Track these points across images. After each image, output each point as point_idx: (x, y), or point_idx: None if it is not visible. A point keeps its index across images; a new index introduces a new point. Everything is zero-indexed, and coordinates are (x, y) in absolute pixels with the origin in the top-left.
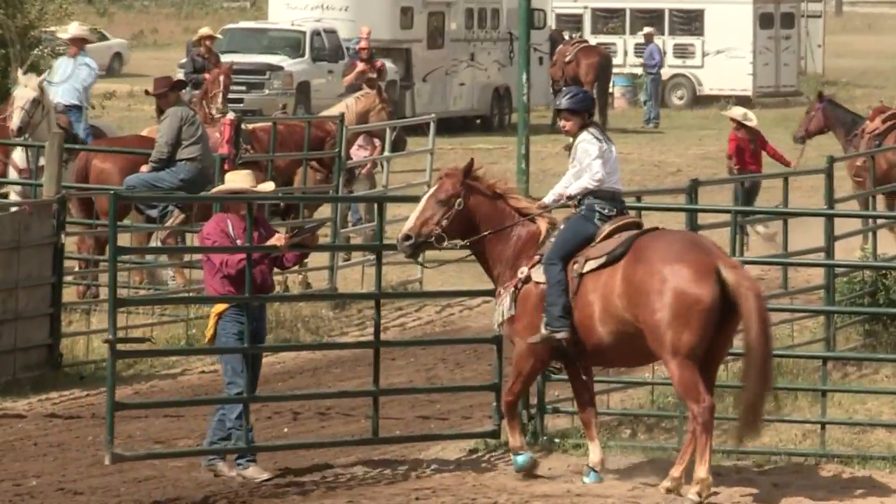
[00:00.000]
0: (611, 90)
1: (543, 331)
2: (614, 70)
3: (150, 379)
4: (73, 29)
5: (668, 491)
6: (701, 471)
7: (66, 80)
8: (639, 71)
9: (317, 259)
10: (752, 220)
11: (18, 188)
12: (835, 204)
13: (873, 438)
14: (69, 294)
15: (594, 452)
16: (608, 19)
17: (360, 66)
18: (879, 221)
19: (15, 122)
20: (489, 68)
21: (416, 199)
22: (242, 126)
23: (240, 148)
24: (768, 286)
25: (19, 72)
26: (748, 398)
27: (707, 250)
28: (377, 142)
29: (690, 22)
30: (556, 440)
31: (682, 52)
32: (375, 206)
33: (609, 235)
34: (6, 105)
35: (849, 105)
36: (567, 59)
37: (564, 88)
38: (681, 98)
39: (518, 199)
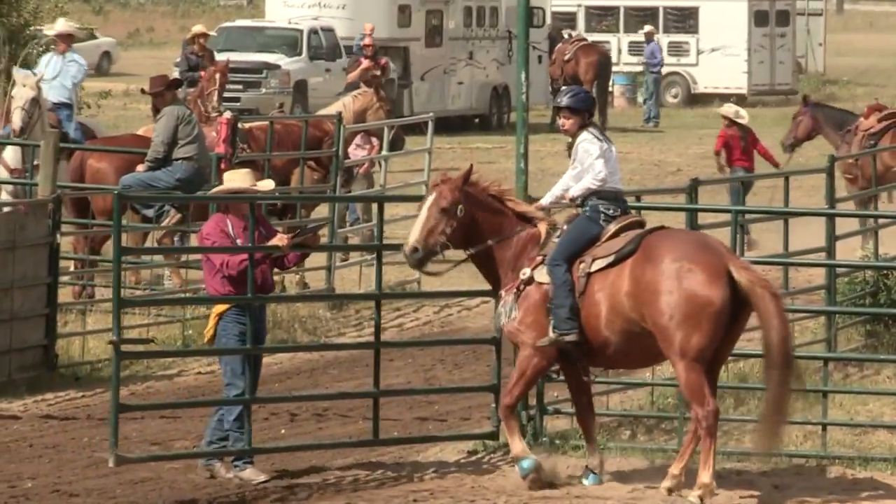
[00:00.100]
0: (610, 89)
1: (552, 334)
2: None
3: (146, 380)
4: (60, 25)
5: (670, 491)
6: (704, 476)
7: (55, 78)
8: (631, 69)
9: (314, 259)
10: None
11: (10, 188)
12: (836, 203)
13: (875, 440)
14: (65, 294)
15: (593, 455)
16: (602, 17)
17: (365, 63)
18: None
19: (16, 122)
20: (488, 67)
21: (414, 199)
22: (239, 125)
23: (236, 147)
24: None
25: (14, 70)
26: (772, 400)
27: (717, 251)
28: (375, 141)
29: (685, 19)
30: (556, 441)
31: (677, 49)
32: (375, 205)
33: (615, 235)
34: (2, 105)
35: (850, 104)
36: (566, 57)
37: (564, 87)
38: (675, 96)
39: (516, 202)
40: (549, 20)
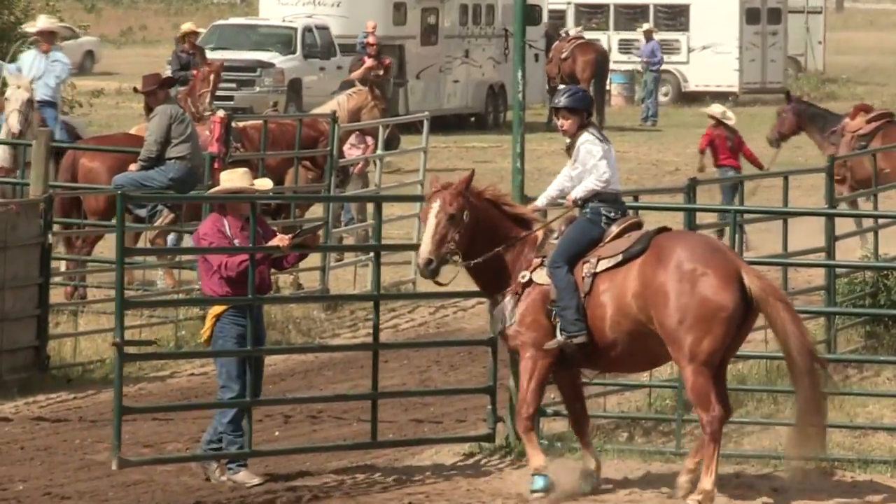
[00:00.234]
0: (608, 87)
1: (559, 337)
2: None
3: (138, 381)
4: (42, 22)
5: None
6: (706, 482)
7: (39, 77)
8: (620, 67)
9: (308, 259)
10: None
11: (1, 188)
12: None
13: (874, 442)
14: (56, 295)
15: (589, 459)
16: (592, 15)
17: (369, 62)
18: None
19: (14, 125)
20: (484, 65)
21: (411, 199)
22: (233, 124)
23: (230, 146)
24: None
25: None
26: (808, 404)
27: (728, 255)
28: (370, 140)
29: (675, 17)
30: (556, 444)
31: (668, 47)
32: (371, 205)
33: (618, 236)
34: None
35: (850, 103)
36: (563, 55)
37: (562, 87)
38: (666, 94)
39: (512, 204)
40: (545, 18)
